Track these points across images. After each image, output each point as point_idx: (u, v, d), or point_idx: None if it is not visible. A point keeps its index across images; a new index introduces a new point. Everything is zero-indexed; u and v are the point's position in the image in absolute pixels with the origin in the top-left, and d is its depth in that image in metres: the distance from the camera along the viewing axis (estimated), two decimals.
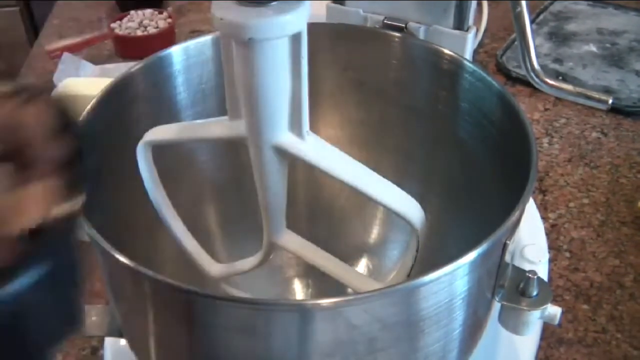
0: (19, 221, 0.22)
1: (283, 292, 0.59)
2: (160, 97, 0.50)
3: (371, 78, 0.54)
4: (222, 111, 0.41)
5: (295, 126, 0.38)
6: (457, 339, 0.40)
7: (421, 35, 0.57)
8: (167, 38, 0.91)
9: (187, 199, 0.52)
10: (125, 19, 0.94)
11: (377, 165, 0.41)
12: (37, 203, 0.23)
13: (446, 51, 0.50)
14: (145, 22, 0.93)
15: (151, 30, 0.92)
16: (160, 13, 0.95)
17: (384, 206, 0.39)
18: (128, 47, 0.92)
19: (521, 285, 0.39)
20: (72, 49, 0.90)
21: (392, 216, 0.41)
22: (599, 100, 0.54)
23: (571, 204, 0.69)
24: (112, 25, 0.93)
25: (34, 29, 1.74)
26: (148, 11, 0.95)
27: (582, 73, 0.87)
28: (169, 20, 0.94)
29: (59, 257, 0.24)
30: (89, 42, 0.94)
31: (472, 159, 0.50)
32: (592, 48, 0.92)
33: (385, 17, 0.59)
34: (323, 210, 0.60)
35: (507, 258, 0.38)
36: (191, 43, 0.50)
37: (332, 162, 0.39)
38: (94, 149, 0.44)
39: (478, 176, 0.50)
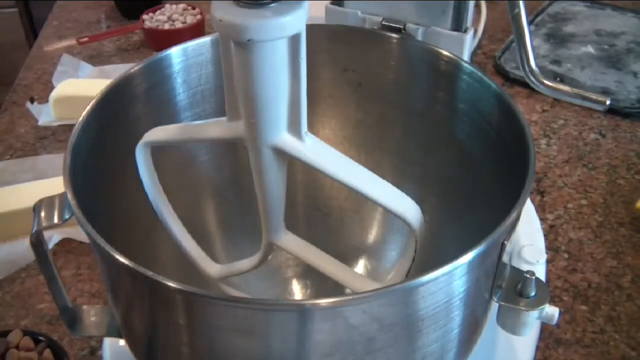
0: None
1: (282, 292, 0.59)
2: (159, 98, 0.50)
3: (369, 79, 0.54)
4: (221, 112, 0.41)
5: (293, 127, 0.38)
6: (455, 339, 0.40)
7: (419, 37, 0.58)
8: (197, 33, 0.92)
9: (186, 200, 0.53)
10: (157, 12, 0.96)
11: (375, 166, 0.41)
12: None
13: (444, 52, 0.50)
14: (175, 16, 0.95)
15: (178, 25, 0.93)
16: (193, 8, 0.96)
17: (382, 207, 0.39)
18: (156, 40, 0.94)
19: (519, 286, 0.39)
20: (97, 38, 0.94)
21: (391, 217, 0.42)
22: (597, 102, 0.54)
23: (569, 205, 0.69)
24: (144, 17, 0.95)
25: (33, 30, 1.74)
26: (181, 5, 0.97)
27: (580, 74, 0.87)
28: (199, 16, 0.95)
29: None
30: (115, 32, 0.96)
31: (470, 160, 0.50)
32: (590, 49, 0.92)
33: (384, 19, 0.59)
34: (322, 211, 0.60)
35: (505, 258, 0.38)
36: (190, 44, 0.50)
37: (330, 162, 0.39)
38: (93, 150, 0.44)
39: (476, 177, 0.50)
